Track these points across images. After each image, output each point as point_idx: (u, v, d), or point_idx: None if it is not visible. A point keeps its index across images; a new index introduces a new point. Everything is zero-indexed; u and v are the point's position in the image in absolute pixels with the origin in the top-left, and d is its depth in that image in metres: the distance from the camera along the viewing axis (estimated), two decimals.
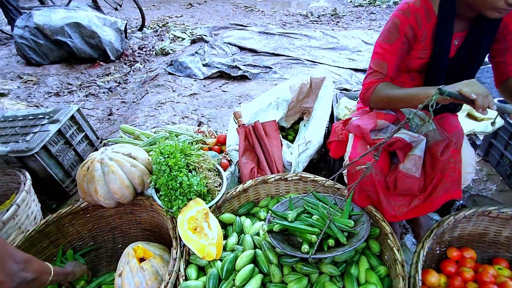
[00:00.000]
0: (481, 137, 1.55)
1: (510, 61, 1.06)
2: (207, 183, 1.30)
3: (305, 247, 1.02)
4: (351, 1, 6.50)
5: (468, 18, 1.04)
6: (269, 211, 1.20)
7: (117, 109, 2.61)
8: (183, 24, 5.06)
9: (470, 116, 1.66)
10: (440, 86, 0.87)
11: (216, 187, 1.34)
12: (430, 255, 1.24)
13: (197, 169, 1.33)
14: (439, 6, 1.02)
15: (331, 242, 1.04)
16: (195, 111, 2.42)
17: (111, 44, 3.51)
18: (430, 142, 1.11)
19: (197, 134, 1.91)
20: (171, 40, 4.28)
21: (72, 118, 1.87)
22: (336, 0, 6.77)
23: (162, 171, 1.23)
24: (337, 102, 1.76)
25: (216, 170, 1.43)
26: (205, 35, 3.89)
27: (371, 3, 6.27)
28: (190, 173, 1.28)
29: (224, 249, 1.17)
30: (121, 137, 1.86)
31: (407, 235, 1.47)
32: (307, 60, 3.23)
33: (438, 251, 1.26)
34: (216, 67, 3.10)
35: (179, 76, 3.02)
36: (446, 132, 1.15)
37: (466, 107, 1.73)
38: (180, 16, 5.58)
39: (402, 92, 1.04)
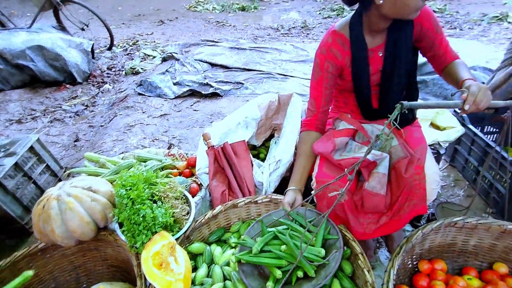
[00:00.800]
0: (445, 146, 1.59)
1: (441, 53, 1.16)
2: (173, 213, 1.25)
3: (269, 284, 0.98)
4: (320, 13, 6.69)
5: (384, 29, 1.13)
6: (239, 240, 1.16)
7: (84, 134, 2.51)
8: (154, 41, 5.02)
9: (433, 125, 1.71)
10: (402, 102, 0.90)
11: (184, 215, 1.30)
12: (403, 270, 1.24)
13: (162, 198, 1.28)
14: (349, 30, 1.13)
15: (299, 273, 1.00)
16: (166, 133, 2.37)
17: (77, 66, 3.40)
18: (394, 159, 1.12)
19: (167, 158, 1.85)
20: (142, 58, 4.22)
21: (31, 149, 1.77)
22: (306, 12, 6.95)
23: (124, 204, 1.17)
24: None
25: (184, 197, 1.38)
26: (176, 53, 3.86)
27: (339, 14, 6.47)
28: (155, 204, 1.23)
29: (193, 283, 1.12)
30: (85, 166, 1.77)
31: (380, 249, 1.47)
32: (278, 73, 3.26)
33: (410, 265, 1.26)
34: (187, 85, 3.07)
35: (149, 96, 2.96)
36: (409, 147, 1.17)
37: (429, 117, 1.78)
38: (151, 34, 5.53)
39: (296, 159, 1.28)
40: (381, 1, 1.00)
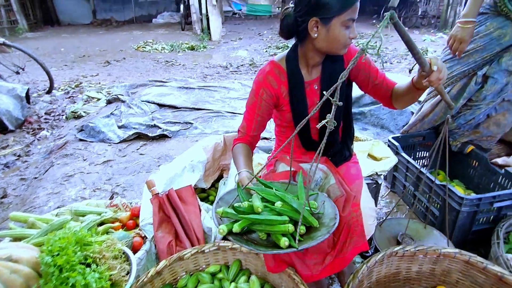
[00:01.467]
0: (383, 176, 1.69)
1: (379, 81, 1.23)
2: (110, 275, 1.14)
3: (285, 240, 0.88)
4: (266, 51, 7.07)
5: (319, 63, 1.21)
6: (217, 207, 1.02)
7: (14, 189, 2.26)
8: (99, 83, 4.86)
9: (370, 156, 1.83)
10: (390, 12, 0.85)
11: (124, 276, 1.19)
12: None
13: (98, 260, 1.16)
14: (286, 63, 1.21)
15: (302, 229, 0.93)
16: (109, 181, 2.22)
17: (9, 113, 3.14)
18: (332, 198, 1.16)
19: (108, 210, 1.73)
20: (85, 101, 4.03)
21: None
22: (253, 50, 7.31)
23: (51, 273, 1.04)
24: None
25: (125, 255, 1.28)
26: (122, 94, 3.76)
27: (284, 51, 6.88)
28: (88, 268, 1.11)
29: None
30: (11, 228, 1.57)
31: (333, 285, 1.47)
32: (227, 112, 3.31)
33: None
34: (134, 128, 2.97)
35: (92, 142, 2.80)
36: (346, 184, 1.21)
37: (366, 149, 1.89)
38: (96, 75, 5.37)
39: (237, 157, 1.24)
40: (315, 35, 1.07)
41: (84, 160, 2.50)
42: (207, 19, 8.60)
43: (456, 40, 1.61)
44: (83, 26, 11.45)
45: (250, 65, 5.88)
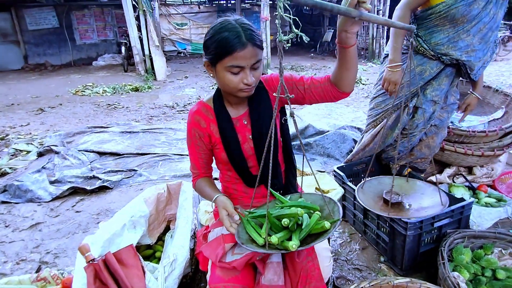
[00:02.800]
0: None
1: (309, 82, 1.14)
2: None
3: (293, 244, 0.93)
4: (212, 88, 7.16)
5: (243, 100, 1.21)
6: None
7: None
8: (30, 133, 4.43)
9: (317, 190, 1.84)
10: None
11: None
12: None
13: None
14: (212, 101, 1.21)
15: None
16: (37, 248, 1.93)
17: None
18: None
19: (34, 286, 1.47)
20: (12, 155, 3.61)
21: None
22: (200, 88, 7.36)
23: None
24: (198, 206, 1.69)
25: None
26: (56, 145, 3.44)
27: None
28: None
29: None
30: None
31: None
32: (175, 154, 3.19)
33: None
34: (69, 182, 2.69)
35: (17, 203, 2.46)
36: None
37: (312, 182, 1.91)
38: (27, 125, 4.90)
39: (203, 190, 1.26)
40: (211, 75, 1.11)
41: (6, 226, 2.17)
42: (151, 59, 8.55)
43: (391, 83, 1.76)
44: (12, 72, 10.63)
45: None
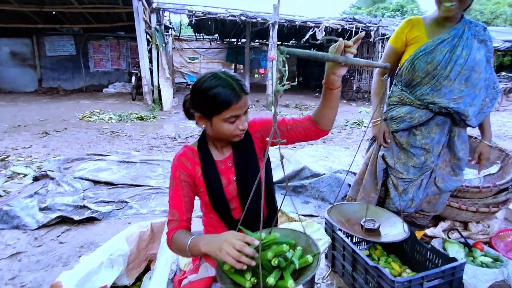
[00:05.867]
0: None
1: (292, 123, 1.22)
2: None
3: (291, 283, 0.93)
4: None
5: (229, 145, 1.25)
6: None
7: None
8: (30, 156, 4.47)
9: None
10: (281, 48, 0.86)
11: None
12: None
13: None
14: (197, 146, 1.24)
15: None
16: (13, 280, 1.87)
17: None
18: None
19: None
20: (9, 178, 3.62)
21: None
22: None
23: None
24: None
25: None
26: (52, 170, 3.46)
27: None
28: None
29: None
30: None
31: None
32: (168, 188, 3.17)
33: None
34: (58, 210, 2.66)
35: (3, 229, 2.42)
36: None
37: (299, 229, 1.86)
38: (29, 147, 4.97)
39: (183, 242, 1.14)
40: (203, 126, 1.17)
41: None
42: (159, 90, 8.82)
43: (381, 136, 1.84)
44: (26, 94, 11.01)
45: (199, 135, 5.93)
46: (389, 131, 1.85)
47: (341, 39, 0.96)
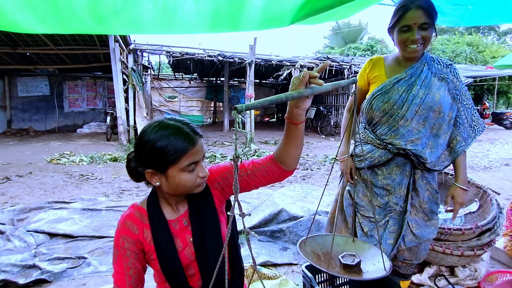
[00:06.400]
0: None
1: (251, 166, 1.09)
2: None
3: None
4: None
5: (183, 198, 1.10)
6: None
7: None
8: None
9: None
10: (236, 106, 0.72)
11: None
12: None
13: None
14: (147, 204, 1.08)
15: None
16: None
17: None
18: None
19: None
20: None
21: None
22: None
23: None
24: None
25: None
26: (3, 223, 3.10)
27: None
28: None
29: None
30: None
31: None
32: None
33: None
34: (3, 272, 2.32)
35: None
36: None
37: None
38: None
39: None
40: (157, 183, 1.01)
41: None
42: (135, 129, 8.62)
43: (348, 172, 1.80)
44: None
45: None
46: (355, 168, 1.77)
47: (305, 69, 0.90)
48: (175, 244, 1.06)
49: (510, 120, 12.81)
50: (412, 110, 1.61)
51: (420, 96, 1.61)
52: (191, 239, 1.08)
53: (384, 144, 1.68)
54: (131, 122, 8.67)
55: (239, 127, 0.69)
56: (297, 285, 2.32)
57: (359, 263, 1.17)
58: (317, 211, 1.42)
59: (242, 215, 0.77)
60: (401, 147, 1.64)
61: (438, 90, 1.64)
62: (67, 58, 10.35)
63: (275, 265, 2.56)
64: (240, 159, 0.75)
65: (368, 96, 1.73)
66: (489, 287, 2.16)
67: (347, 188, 1.86)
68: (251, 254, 0.81)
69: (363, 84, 1.81)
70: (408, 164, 1.72)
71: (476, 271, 2.06)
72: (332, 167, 1.65)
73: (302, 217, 2.94)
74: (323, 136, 11.35)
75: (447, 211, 1.79)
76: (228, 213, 0.75)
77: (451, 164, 1.78)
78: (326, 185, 1.34)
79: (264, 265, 2.54)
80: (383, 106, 1.65)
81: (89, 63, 10.72)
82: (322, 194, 1.34)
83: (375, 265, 1.15)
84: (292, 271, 2.48)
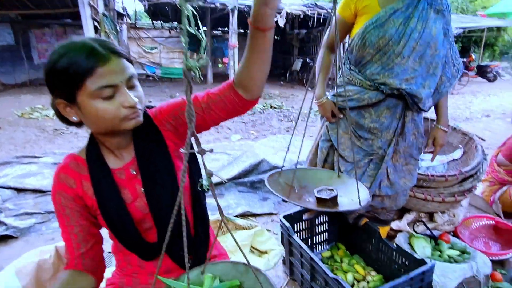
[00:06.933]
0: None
1: (206, 98, 0.89)
2: None
3: None
4: None
5: (127, 142, 0.92)
6: None
7: None
8: None
9: (254, 249, 1.52)
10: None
11: None
12: None
13: None
14: (86, 152, 0.91)
15: None
16: None
17: None
18: None
19: None
20: None
21: None
22: None
23: None
24: None
25: None
26: None
27: None
28: None
29: None
30: None
31: None
32: None
33: None
34: None
35: None
36: None
37: (246, 241, 1.58)
38: None
39: None
40: (74, 118, 0.82)
41: None
42: None
43: (329, 114, 1.67)
44: None
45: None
46: (337, 107, 1.65)
47: None
48: (121, 196, 0.91)
49: (494, 72, 12.75)
50: (410, 46, 1.44)
51: (418, 30, 1.43)
52: (142, 189, 0.92)
53: (376, 85, 1.52)
54: None
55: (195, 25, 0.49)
56: (276, 234, 2.29)
57: (334, 197, 1.06)
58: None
59: (202, 151, 0.57)
60: (396, 87, 1.48)
61: (435, 24, 1.47)
62: (29, 3, 9.30)
63: (255, 215, 2.51)
64: (194, 73, 0.54)
65: (359, 31, 1.50)
66: (465, 231, 2.19)
67: (326, 123, 1.74)
68: (216, 200, 0.66)
69: (348, 15, 1.57)
70: (399, 106, 1.58)
71: (454, 216, 2.06)
72: (309, 113, 1.51)
73: (283, 166, 2.86)
74: (309, 89, 11.08)
75: (425, 152, 1.78)
76: (182, 150, 0.54)
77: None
78: (304, 132, 1.18)
79: (244, 215, 2.49)
80: (378, 42, 1.45)
81: (55, 9, 9.70)
82: (303, 140, 1.19)
83: (354, 200, 1.05)
84: (272, 221, 2.45)
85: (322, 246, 2.00)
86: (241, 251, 0.66)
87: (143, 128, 0.91)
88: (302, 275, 1.68)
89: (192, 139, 0.57)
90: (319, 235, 1.96)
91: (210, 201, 2.62)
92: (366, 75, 1.54)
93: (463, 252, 1.87)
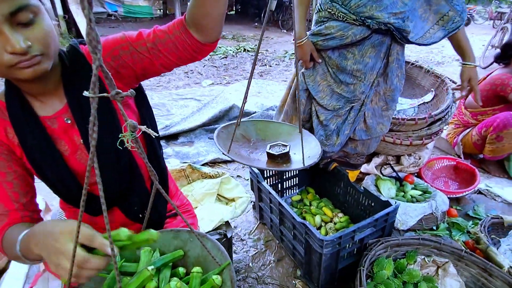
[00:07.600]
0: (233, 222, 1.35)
1: (152, 38, 0.75)
2: None
3: None
4: None
5: (56, 87, 0.76)
6: None
7: None
8: None
9: (220, 197, 1.48)
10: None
11: None
12: None
13: None
14: (4, 96, 0.75)
15: None
16: None
17: None
18: None
19: None
20: None
21: None
22: None
23: None
24: None
25: None
26: None
27: None
28: None
29: None
30: None
31: None
32: None
33: None
34: None
35: None
36: None
37: (213, 189, 1.53)
38: None
39: (13, 241, 0.70)
40: None
41: None
42: (67, 21, 7.26)
43: (308, 57, 1.54)
44: None
45: None
46: (317, 50, 1.52)
47: None
48: (56, 147, 0.78)
49: (469, 15, 12.69)
50: None
51: None
52: (81, 140, 0.80)
53: (362, 19, 1.37)
54: (59, 12, 7.22)
55: None
56: (247, 180, 2.28)
57: (285, 154, 1.00)
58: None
59: (115, 96, 0.43)
60: (383, 21, 1.35)
61: None
62: None
63: (226, 161, 2.47)
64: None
65: None
66: (428, 172, 2.28)
67: (302, 70, 1.61)
68: (145, 160, 0.56)
69: None
70: (384, 44, 1.47)
71: (420, 158, 2.11)
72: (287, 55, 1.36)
73: (255, 112, 2.76)
74: (284, 31, 10.58)
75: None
76: (85, 93, 0.41)
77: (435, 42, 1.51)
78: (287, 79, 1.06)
79: (214, 162, 2.44)
80: None
81: None
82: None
83: (310, 158, 0.99)
84: (243, 167, 2.42)
85: (293, 190, 2.01)
86: (182, 217, 0.58)
87: (74, 70, 0.75)
88: (271, 219, 1.70)
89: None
90: (290, 180, 1.96)
91: (179, 149, 2.51)
92: (351, 7, 1.38)
93: (425, 192, 1.95)
